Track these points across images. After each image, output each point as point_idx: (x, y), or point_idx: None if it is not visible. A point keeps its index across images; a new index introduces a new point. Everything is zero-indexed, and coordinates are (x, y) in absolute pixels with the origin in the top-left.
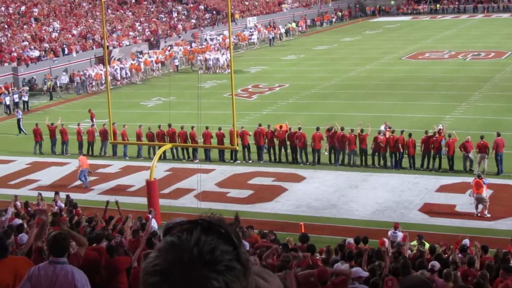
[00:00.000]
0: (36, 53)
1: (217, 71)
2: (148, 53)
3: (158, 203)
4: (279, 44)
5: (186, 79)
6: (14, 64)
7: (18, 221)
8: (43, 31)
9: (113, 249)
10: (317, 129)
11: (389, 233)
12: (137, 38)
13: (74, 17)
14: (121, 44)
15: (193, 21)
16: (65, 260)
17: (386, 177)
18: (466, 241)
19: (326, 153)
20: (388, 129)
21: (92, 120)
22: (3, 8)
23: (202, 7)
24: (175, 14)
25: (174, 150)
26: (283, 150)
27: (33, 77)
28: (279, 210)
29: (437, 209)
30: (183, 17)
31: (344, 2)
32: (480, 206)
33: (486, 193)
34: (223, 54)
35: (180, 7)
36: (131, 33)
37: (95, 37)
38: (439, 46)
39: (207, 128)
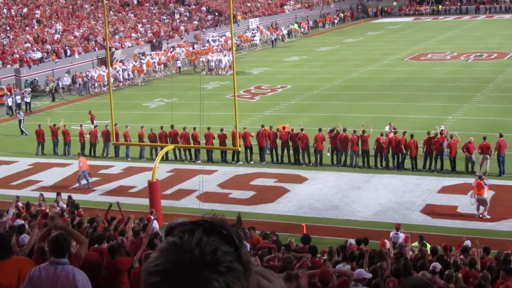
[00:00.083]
0: (38, 55)
1: (220, 73)
2: (151, 55)
3: (160, 204)
4: (281, 46)
5: (188, 80)
6: (17, 65)
7: (19, 221)
8: (45, 32)
9: (115, 250)
10: (319, 130)
11: (391, 234)
12: (139, 39)
13: (76, 19)
14: (123, 46)
15: (195, 22)
16: (66, 260)
17: (388, 178)
18: (468, 242)
19: (328, 154)
20: (392, 130)
21: (92, 122)
22: (5, 10)
23: (204, 8)
24: (177, 16)
25: (177, 151)
26: (285, 151)
27: (36, 78)
28: (281, 211)
29: (439, 210)
30: (185, 18)
31: (346, 3)
32: (482, 207)
33: (487, 194)
34: (225, 55)
35: (182, 9)
36: (133, 34)
37: (97, 39)
38: (441, 47)
39: (208, 129)
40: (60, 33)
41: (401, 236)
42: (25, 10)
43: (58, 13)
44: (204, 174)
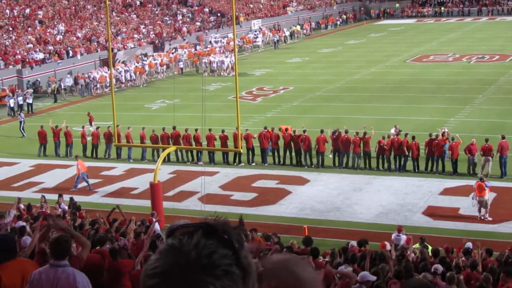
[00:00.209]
0: (40, 56)
1: (222, 74)
2: (153, 56)
3: (161, 205)
4: (283, 47)
5: (190, 81)
6: (19, 66)
7: (21, 223)
8: (47, 33)
9: (117, 252)
10: (321, 131)
11: (393, 236)
12: (142, 40)
13: (79, 20)
14: (125, 47)
15: (198, 23)
16: (67, 262)
17: (390, 180)
18: (469, 244)
19: (330, 156)
20: (399, 132)
21: (90, 123)
22: (7, 11)
23: (207, 9)
24: (180, 17)
25: (179, 153)
26: (287, 152)
27: (38, 79)
28: (282, 213)
29: (440, 212)
30: (188, 19)
31: (349, 5)
32: (483, 209)
33: (488, 196)
34: (226, 56)
35: (185, 10)
36: (135, 35)
37: (100, 40)
38: (443, 49)
39: (210, 130)
40: (63, 34)
41: (403, 238)
42: (27, 10)
43: (61, 14)
44: (206, 175)
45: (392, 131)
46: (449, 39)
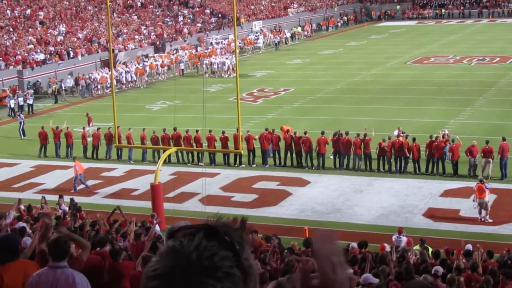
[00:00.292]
0: (41, 56)
1: (223, 75)
2: (154, 57)
3: (162, 207)
4: (284, 48)
5: (191, 83)
6: (19, 67)
7: (21, 224)
8: (48, 34)
9: (117, 253)
10: (322, 133)
11: (393, 237)
12: (143, 41)
13: (80, 21)
14: (126, 48)
15: (199, 25)
16: (65, 264)
17: (390, 181)
18: (469, 246)
19: (331, 157)
20: (401, 134)
21: (88, 124)
22: (8, 11)
23: (208, 11)
24: (180, 18)
25: (179, 154)
26: (288, 154)
27: (38, 80)
28: (283, 215)
29: (441, 213)
30: (189, 21)
31: (349, 6)
32: (484, 211)
33: (489, 197)
34: (227, 58)
35: (186, 11)
36: (136, 36)
37: (101, 41)
38: (444, 51)
39: (210, 131)
40: (63, 34)
41: (403, 239)
42: (28, 11)
43: (62, 15)
44: (206, 177)
45: (395, 132)
46: (449, 41)
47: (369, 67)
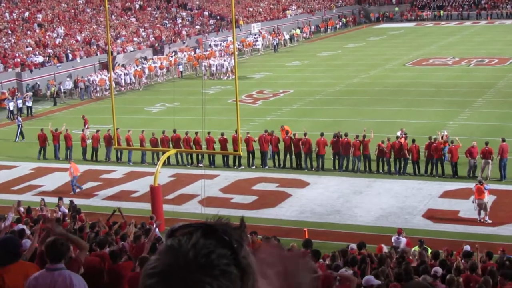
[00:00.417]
0: (40, 59)
1: (221, 77)
2: (153, 59)
3: (162, 208)
4: (283, 50)
5: (190, 85)
6: (18, 69)
7: (20, 226)
8: (47, 36)
9: (116, 255)
10: (321, 134)
11: (393, 238)
12: (142, 44)
13: (78, 23)
14: (125, 50)
15: (198, 27)
16: (63, 265)
17: (390, 183)
18: (467, 247)
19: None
20: (404, 135)
21: (84, 126)
22: (7, 14)
23: (206, 13)
24: (179, 20)
25: (179, 156)
26: (287, 155)
27: (37, 82)
28: (283, 216)
29: (440, 215)
30: (188, 23)
31: (348, 8)
32: (483, 212)
33: (488, 198)
34: (225, 60)
35: (184, 13)
36: (135, 39)
37: (99, 43)
38: (442, 53)
39: (209, 133)
40: (62, 37)
41: (403, 240)
42: (27, 14)
43: (60, 17)
44: (206, 178)
45: (398, 133)
46: (448, 43)
47: (368, 69)
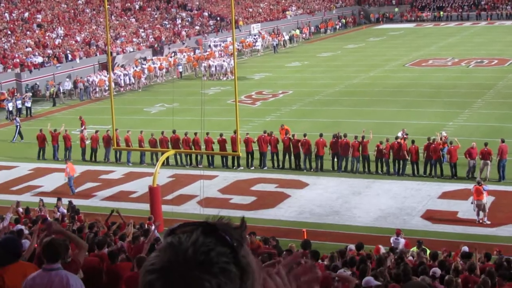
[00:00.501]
0: (39, 59)
1: (221, 78)
2: (152, 60)
3: (160, 209)
4: (283, 51)
5: (189, 85)
6: (17, 70)
7: (19, 226)
8: (46, 37)
9: (115, 255)
10: (321, 135)
11: (392, 239)
12: (141, 44)
13: (78, 24)
14: (124, 51)
15: (197, 27)
16: (59, 266)
17: (389, 183)
18: (465, 248)
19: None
20: (405, 136)
21: (81, 127)
22: (6, 14)
23: (206, 13)
24: (179, 21)
25: (178, 156)
26: (286, 156)
27: (36, 83)
28: (282, 217)
29: (439, 215)
30: (187, 23)
31: (348, 9)
32: (482, 213)
33: (486, 199)
34: (224, 61)
35: (184, 14)
36: (135, 39)
37: (99, 44)
38: (442, 53)
39: (207, 134)
40: (62, 37)
41: (402, 241)
42: (26, 14)
43: (60, 18)
44: (204, 179)
45: (399, 134)
46: (448, 44)
47: (368, 70)
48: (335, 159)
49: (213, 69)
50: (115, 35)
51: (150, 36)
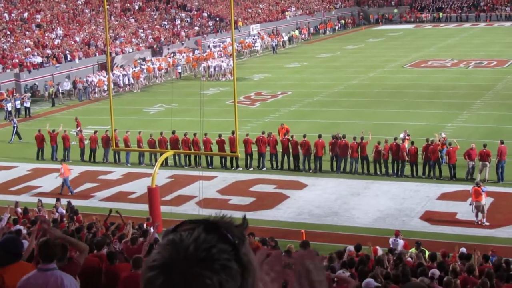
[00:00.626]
0: (38, 60)
1: (220, 78)
2: (151, 60)
3: (159, 210)
4: (282, 52)
5: (188, 86)
6: (16, 70)
7: (18, 226)
8: (45, 37)
9: (114, 256)
10: (319, 136)
11: (390, 240)
12: (140, 45)
13: (77, 24)
14: (124, 51)
15: (196, 28)
16: (55, 266)
17: (387, 184)
18: (463, 250)
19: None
20: (407, 137)
21: (77, 128)
22: (6, 15)
23: (205, 14)
24: (178, 21)
25: (176, 157)
26: (285, 157)
27: (35, 83)
28: (280, 218)
29: (438, 217)
30: (186, 24)
31: (347, 10)
32: (480, 214)
33: (485, 200)
34: (222, 61)
35: (183, 14)
36: (134, 40)
37: (98, 44)
38: (441, 55)
39: (206, 134)
40: (61, 38)
41: (400, 242)
42: (25, 14)
43: (59, 18)
44: (203, 180)
45: (401, 135)
46: (447, 45)
47: (367, 71)
48: (334, 160)
49: (212, 69)
50: (114, 35)
51: (149, 37)
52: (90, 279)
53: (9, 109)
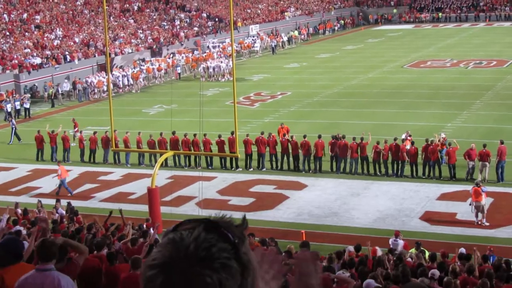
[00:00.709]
0: (38, 60)
1: (219, 79)
2: (151, 61)
3: (159, 210)
4: (281, 52)
5: (188, 86)
6: (16, 71)
7: (17, 227)
8: (45, 38)
9: (114, 257)
10: (319, 137)
11: (390, 241)
12: (140, 45)
13: (76, 25)
14: (123, 52)
15: (196, 28)
16: (52, 266)
17: (387, 185)
18: (462, 250)
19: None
20: (409, 138)
21: (74, 128)
22: (5, 15)
23: (204, 15)
24: (177, 22)
25: (176, 158)
26: (285, 157)
27: (35, 84)
28: (280, 218)
29: (438, 217)
30: (186, 24)
31: (346, 10)
32: (480, 214)
33: (485, 201)
34: (221, 62)
35: (182, 15)
36: (133, 40)
37: (97, 45)
38: (441, 55)
39: (205, 135)
40: (60, 38)
41: (400, 243)
42: (25, 15)
43: (58, 19)
44: (203, 180)
45: (403, 136)
46: (446, 45)
47: (366, 71)
48: (334, 161)
49: (211, 70)
50: (113, 36)
51: (149, 37)
52: (90, 280)
53: (9, 110)
